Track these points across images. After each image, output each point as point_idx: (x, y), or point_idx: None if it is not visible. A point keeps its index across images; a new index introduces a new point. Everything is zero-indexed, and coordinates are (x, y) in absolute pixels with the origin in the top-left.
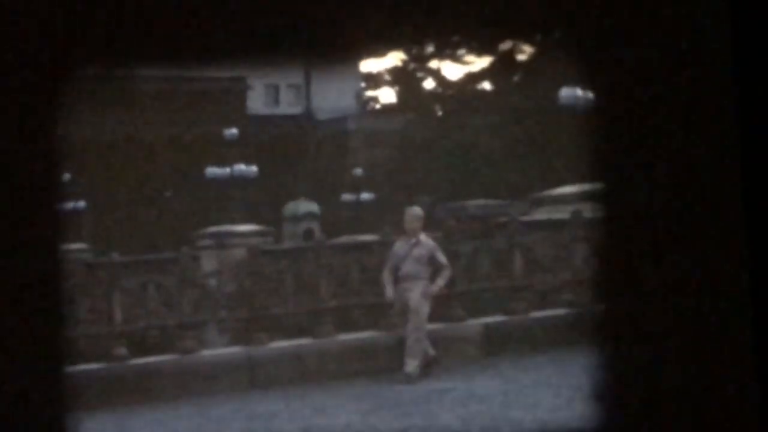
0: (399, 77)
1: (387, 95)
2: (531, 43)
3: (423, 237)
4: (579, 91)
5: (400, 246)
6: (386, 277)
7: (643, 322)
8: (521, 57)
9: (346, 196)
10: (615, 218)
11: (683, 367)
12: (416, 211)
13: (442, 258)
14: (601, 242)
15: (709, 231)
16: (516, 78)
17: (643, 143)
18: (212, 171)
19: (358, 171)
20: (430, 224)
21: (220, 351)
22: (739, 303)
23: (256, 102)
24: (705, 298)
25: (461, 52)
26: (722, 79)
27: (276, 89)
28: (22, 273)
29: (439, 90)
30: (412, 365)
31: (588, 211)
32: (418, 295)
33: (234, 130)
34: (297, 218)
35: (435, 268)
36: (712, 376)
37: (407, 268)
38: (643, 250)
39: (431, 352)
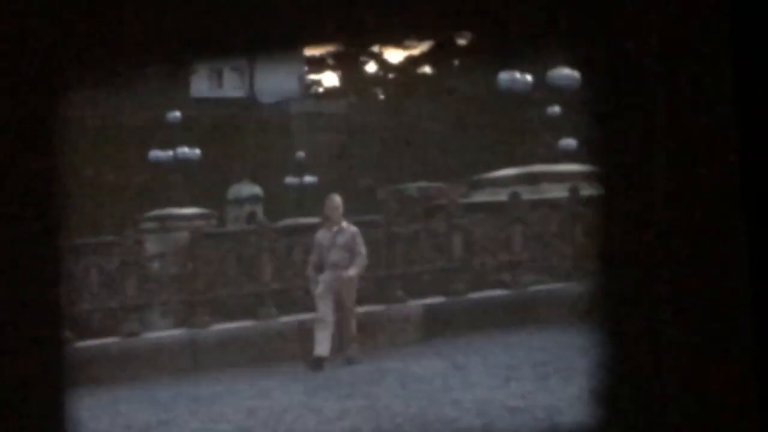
0: (341, 61)
1: (330, 79)
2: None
3: (345, 224)
4: (517, 75)
5: (323, 235)
6: (311, 273)
7: (640, 315)
8: (462, 42)
9: (289, 179)
10: (614, 218)
11: (681, 365)
12: (336, 198)
13: (361, 247)
14: (600, 240)
15: (709, 230)
16: (456, 62)
17: (644, 141)
18: (155, 154)
19: (301, 154)
20: (372, 207)
21: (163, 334)
22: (739, 303)
23: (200, 85)
24: (705, 297)
25: (403, 36)
26: (722, 79)
27: (219, 73)
28: (23, 262)
29: (381, 74)
30: (352, 349)
31: (525, 193)
32: (346, 283)
33: (177, 113)
34: (240, 201)
35: (355, 255)
36: (712, 375)
37: (334, 257)
38: (643, 248)
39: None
